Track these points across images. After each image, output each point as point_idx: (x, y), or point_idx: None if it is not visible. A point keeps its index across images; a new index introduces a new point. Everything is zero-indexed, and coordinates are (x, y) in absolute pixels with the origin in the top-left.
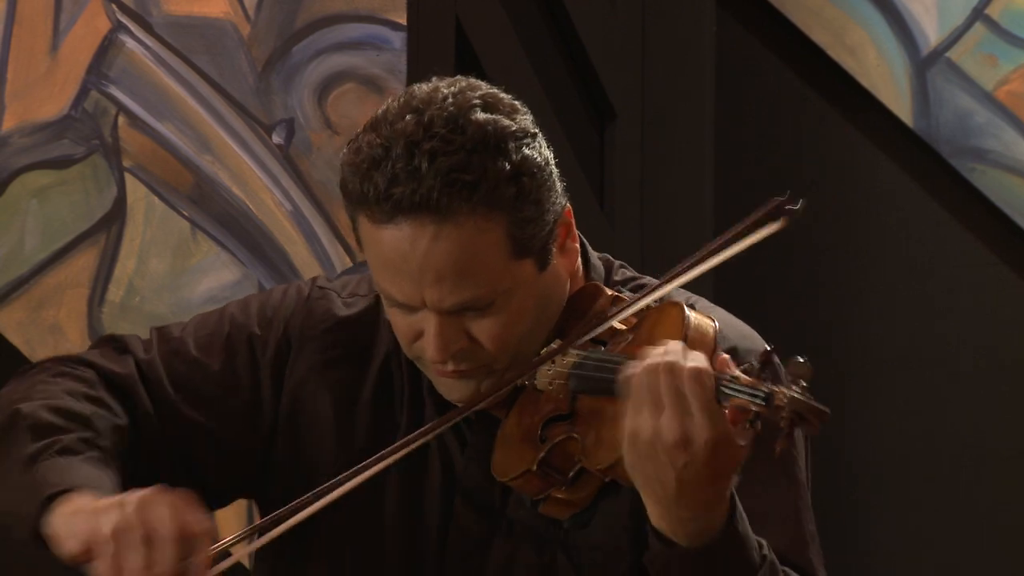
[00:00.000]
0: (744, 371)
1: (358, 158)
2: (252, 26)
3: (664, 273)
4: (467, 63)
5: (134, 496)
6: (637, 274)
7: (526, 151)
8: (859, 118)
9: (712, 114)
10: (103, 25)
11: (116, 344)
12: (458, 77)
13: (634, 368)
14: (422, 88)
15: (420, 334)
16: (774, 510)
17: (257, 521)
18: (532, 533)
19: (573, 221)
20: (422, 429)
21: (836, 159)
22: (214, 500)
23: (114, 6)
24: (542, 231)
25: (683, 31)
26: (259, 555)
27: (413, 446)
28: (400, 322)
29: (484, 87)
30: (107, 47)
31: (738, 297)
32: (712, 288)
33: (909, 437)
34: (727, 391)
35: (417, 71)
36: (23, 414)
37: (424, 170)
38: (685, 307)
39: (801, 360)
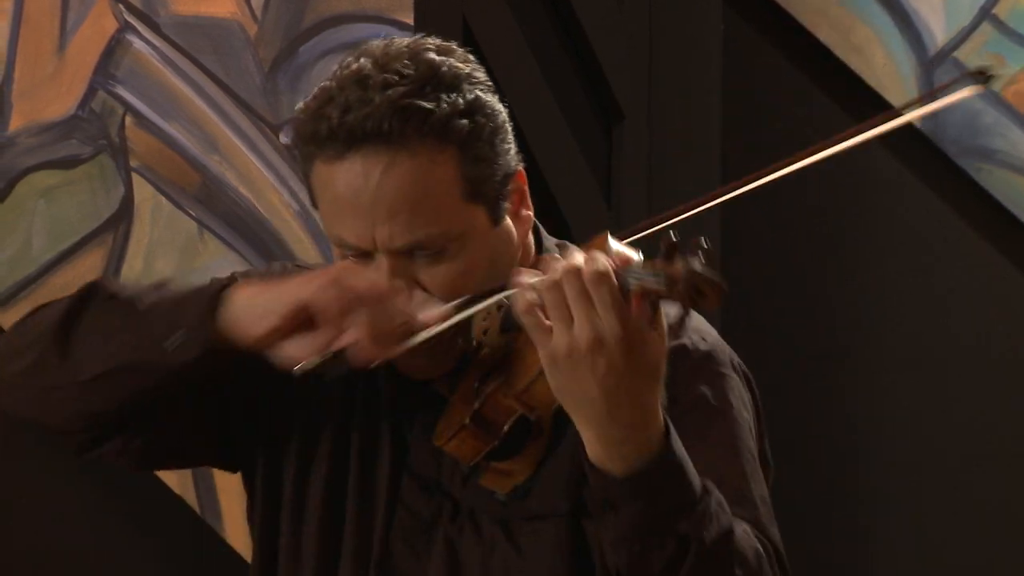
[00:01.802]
0: (644, 260)
1: (311, 103)
2: (259, 26)
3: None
4: None
5: (320, 269)
6: None
7: (480, 93)
8: (866, 118)
9: (719, 114)
10: (110, 25)
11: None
12: (428, 34)
13: (531, 293)
14: (377, 42)
15: None
16: (722, 475)
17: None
18: (473, 514)
19: (527, 189)
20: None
21: (843, 158)
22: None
23: (121, 6)
24: (494, 177)
25: (690, 31)
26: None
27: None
28: None
29: (439, 40)
30: (114, 47)
31: (744, 296)
32: None
33: (914, 436)
34: (630, 280)
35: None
36: (99, 283)
37: (377, 99)
38: (609, 236)
39: (700, 239)
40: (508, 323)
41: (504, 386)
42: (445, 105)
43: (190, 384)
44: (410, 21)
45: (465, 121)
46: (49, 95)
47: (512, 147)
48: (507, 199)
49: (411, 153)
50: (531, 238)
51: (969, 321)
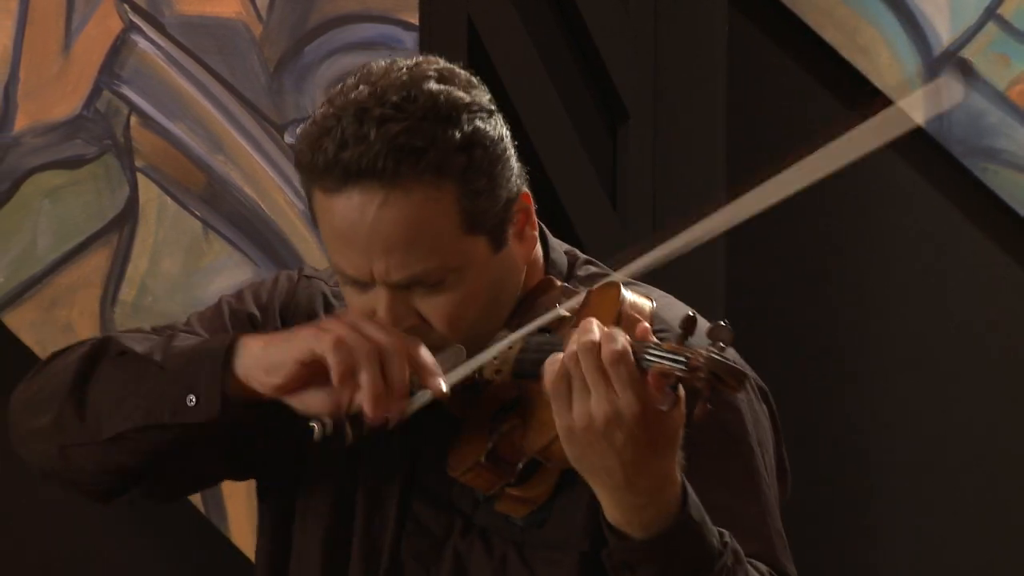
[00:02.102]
0: (665, 338)
1: (311, 129)
2: (264, 26)
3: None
4: (479, 63)
5: (332, 319)
6: (605, 269)
7: (478, 123)
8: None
9: (724, 115)
10: (115, 25)
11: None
12: (418, 55)
13: (553, 364)
14: (379, 63)
15: (374, 314)
16: (737, 509)
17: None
18: (486, 532)
19: (533, 208)
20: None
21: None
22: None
23: (126, 6)
24: (494, 207)
25: (695, 32)
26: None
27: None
28: (354, 301)
29: (442, 62)
30: (119, 47)
31: (749, 297)
32: (724, 289)
33: (920, 436)
34: (648, 358)
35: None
36: (110, 339)
37: (372, 136)
38: (622, 286)
39: (723, 324)
40: (522, 369)
41: (520, 433)
42: (441, 142)
43: (211, 437)
44: (415, 21)
45: (463, 156)
46: (54, 95)
47: (514, 171)
48: (510, 222)
49: (407, 191)
50: (539, 250)
51: (974, 321)
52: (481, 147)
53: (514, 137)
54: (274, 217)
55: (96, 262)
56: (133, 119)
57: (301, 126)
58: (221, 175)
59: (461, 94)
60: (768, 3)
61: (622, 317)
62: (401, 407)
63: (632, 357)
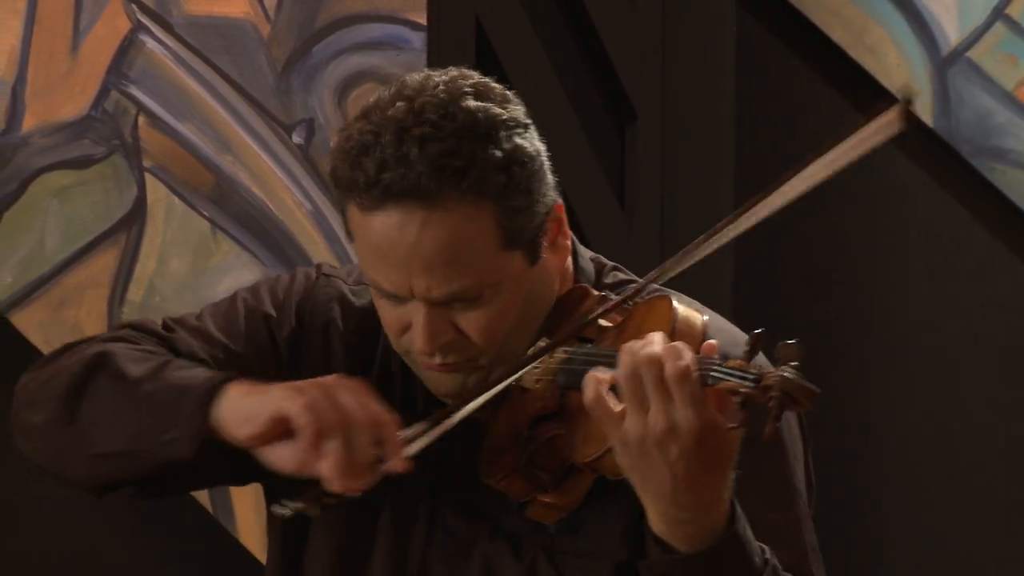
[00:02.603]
0: (731, 355)
1: (348, 145)
2: (272, 26)
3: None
4: (487, 63)
5: (317, 381)
6: (631, 276)
7: (517, 140)
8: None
9: (732, 115)
10: (123, 25)
11: (134, 327)
12: (451, 68)
13: (593, 379)
14: (414, 77)
15: (408, 326)
16: (773, 522)
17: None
18: (515, 537)
19: (565, 218)
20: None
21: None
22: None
23: (134, 6)
24: (532, 223)
25: (703, 31)
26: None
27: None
28: (389, 314)
29: (476, 76)
30: (127, 47)
31: (757, 296)
32: (731, 288)
33: (928, 436)
34: (716, 375)
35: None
36: (108, 353)
37: (413, 156)
38: (673, 300)
39: (791, 342)
40: (568, 380)
41: (563, 442)
42: (481, 161)
43: (192, 470)
44: (423, 21)
45: (503, 175)
46: (62, 95)
47: (550, 184)
48: (544, 234)
49: (447, 211)
50: (569, 260)
51: (982, 320)
52: (519, 164)
53: None
54: (282, 217)
55: (104, 262)
56: (141, 119)
57: (335, 139)
58: (229, 175)
59: (499, 110)
60: (776, 3)
61: (676, 332)
62: (364, 480)
63: (697, 375)
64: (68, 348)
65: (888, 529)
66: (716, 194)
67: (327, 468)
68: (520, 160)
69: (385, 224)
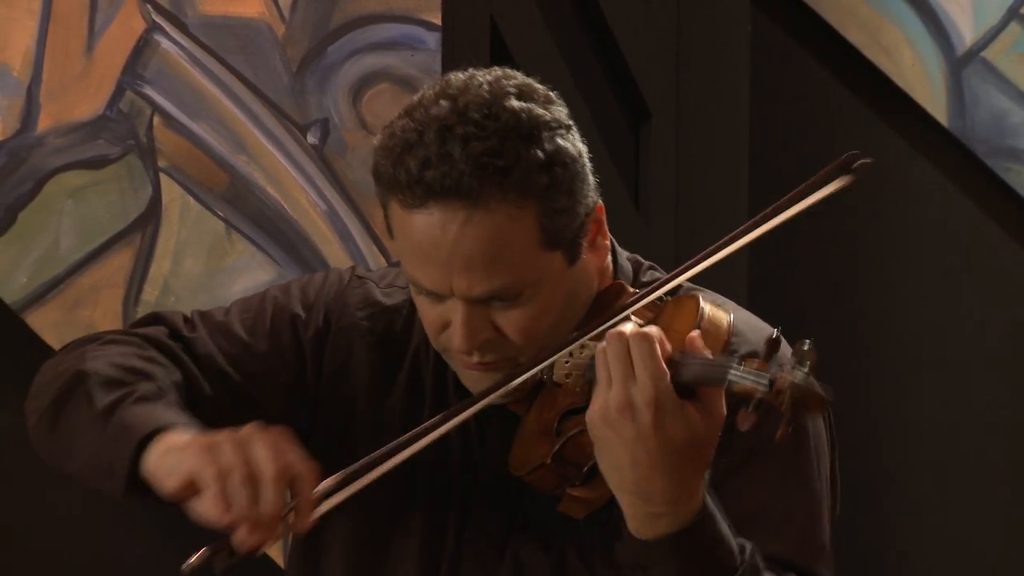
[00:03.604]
0: (749, 355)
1: (391, 142)
2: (287, 26)
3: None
4: (502, 63)
5: (232, 433)
6: (667, 274)
7: (559, 141)
8: (894, 118)
9: (747, 114)
10: (138, 25)
11: (158, 319)
12: (495, 67)
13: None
14: (458, 76)
15: (447, 324)
16: (783, 515)
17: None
18: (546, 531)
19: (604, 218)
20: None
21: (871, 159)
22: None
23: (149, 6)
24: (573, 223)
25: (718, 31)
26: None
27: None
28: (428, 312)
29: (520, 77)
30: (142, 47)
31: (772, 296)
32: (746, 286)
33: (942, 435)
34: (733, 377)
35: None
36: (87, 372)
37: (456, 154)
38: (701, 299)
39: (806, 345)
40: (595, 375)
41: (586, 434)
42: (524, 161)
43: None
44: (438, 21)
45: (545, 176)
46: (77, 95)
47: (591, 185)
48: (584, 235)
49: (489, 210)
50: (608, 259)
51: (997, 320)
52: (562, 165)
53: None
54: (297, 217)
55: (119, 262)
56: (156, 119)
57: (377, 136)
58: (244, 175)
59: (542, 111)
60: (791, 2)
61: (703, 330)
62: (273, 535)
63: (657, 346)
64: (76, 345)
65: (903, 530)
66: (730, 193)
67: (233, 522)
68: (562, 161)
69: (427, 222)
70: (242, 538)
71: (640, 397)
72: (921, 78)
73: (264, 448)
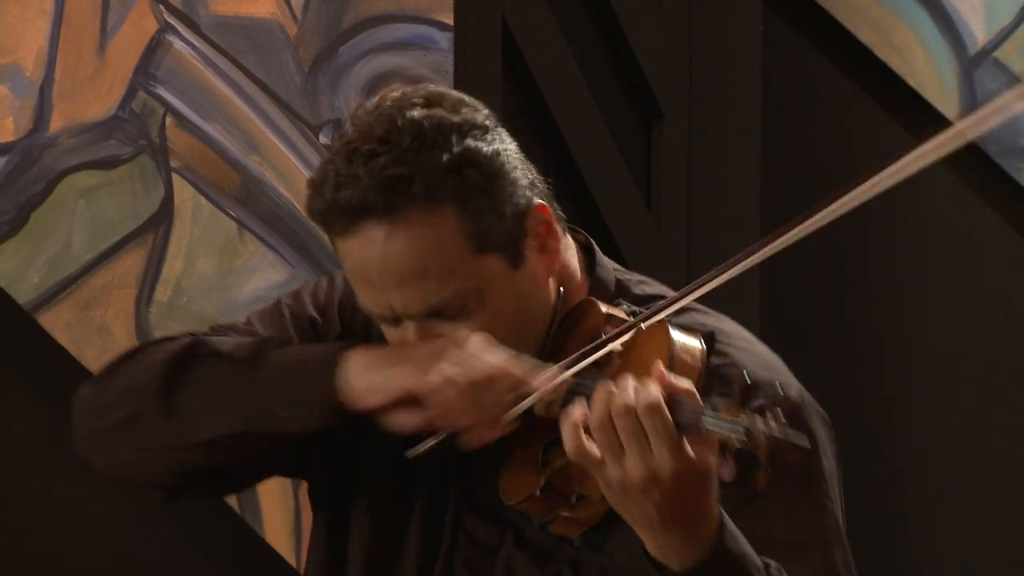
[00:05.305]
0: (724, 396)
1: (314, 178)
2: (299, 26)
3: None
4: (514, 64)
5: (437, 343)
6: (659, 289)
7: (469, 142)
8: (906, 118)
9: (759, 114)
10: (150, 26)
11: (185, 335)
12: (428, 84)
13: (573, 428)
14: (370, 102)
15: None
16: (799, 541)
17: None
18: (541, 549)
19: (553, 219)
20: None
21: (883, 159)
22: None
23: (161, 7)
24: (501, 223)
25: (730, 31)
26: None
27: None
28: (391, 337)
29: (437, 88)
30: (154, 47)
31: (785, 300)
32: (759, 291)
33: (958, 437)
34: (708, 426)
35: (464, 71)
36: (195, 343)
37: (361, 173)
38: (670, 328)
39: (779, 387)
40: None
41: (572, 465)
42: (428, 167)
43: (304, 443)
44: (450, 21)
45: (454, 178)
46: (89, 96)
47: (520, 185)
48: (526, 237)
49: (405, 222)
50: (574, 263)
51: (1011, 321)
52: (474, 166)
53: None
54: (309, 218)
55: (131, 262)
56: (168, 119)
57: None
58: (256, 175)
59: (446, 115)
60: (802, 2)
61: (675, 361)
62: (494, 433)
63: (670, 417)
64: (136, 350)
65: (916, 532)
66: (742, 193)
67: (469, 422)
68: (474, 161)
69: (354, 246)
70: (468, 439)
71: (664, 469)
72: (933, 78)
73: (484, 350)
